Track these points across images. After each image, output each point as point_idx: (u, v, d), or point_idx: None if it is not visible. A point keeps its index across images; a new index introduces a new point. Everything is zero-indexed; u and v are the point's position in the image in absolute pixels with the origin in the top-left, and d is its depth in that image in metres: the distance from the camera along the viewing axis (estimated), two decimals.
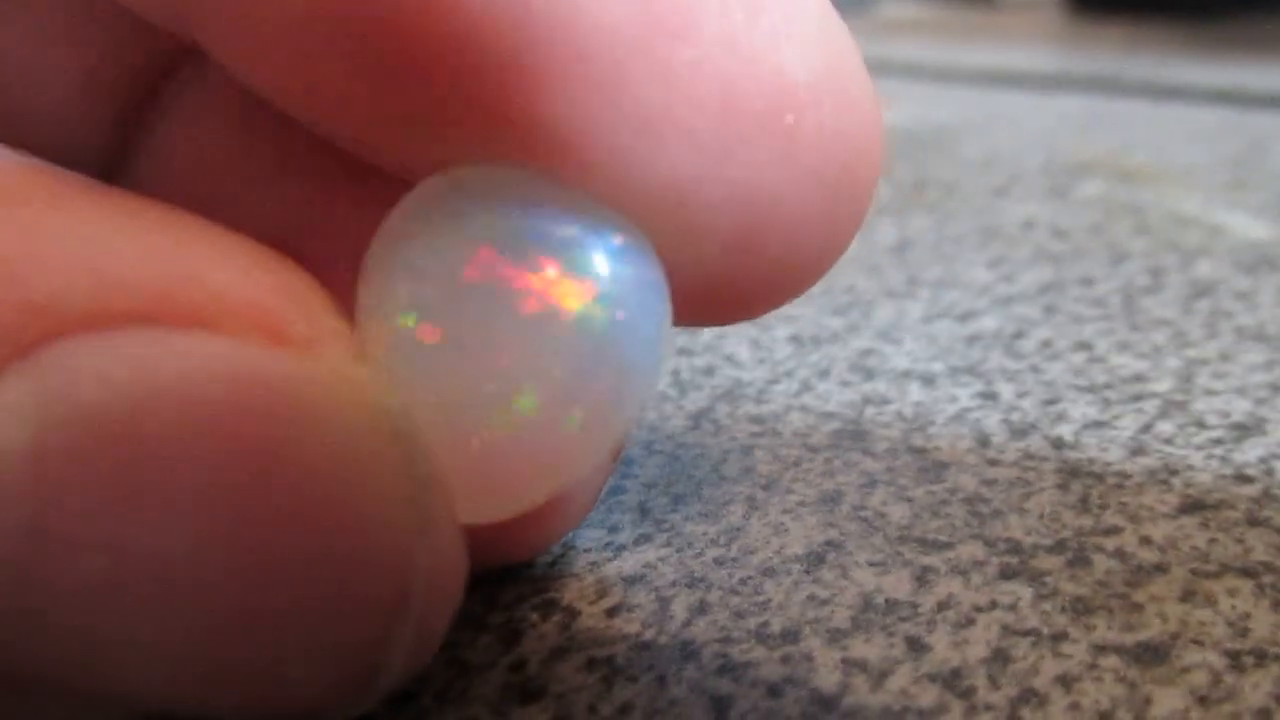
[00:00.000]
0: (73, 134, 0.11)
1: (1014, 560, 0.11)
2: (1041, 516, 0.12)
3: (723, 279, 0.09)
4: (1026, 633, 0.10)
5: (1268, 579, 0.10)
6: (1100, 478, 0.12)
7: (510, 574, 0.11)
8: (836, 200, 0.09)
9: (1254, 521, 0.11)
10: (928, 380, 0.15)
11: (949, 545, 0.11)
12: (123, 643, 0.07)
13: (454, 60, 0.08)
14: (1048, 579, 0.11)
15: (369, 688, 0.08)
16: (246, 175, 0.11)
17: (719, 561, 0.11)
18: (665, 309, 0.09)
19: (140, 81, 0.11)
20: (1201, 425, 0.14)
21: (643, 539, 0.11)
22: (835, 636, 0.10)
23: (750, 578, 0.11)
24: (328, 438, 0.07)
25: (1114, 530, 0.11)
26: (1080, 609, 0.10)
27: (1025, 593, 0.10)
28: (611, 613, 0.10)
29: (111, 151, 0.11)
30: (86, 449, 0.07)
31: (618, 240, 0.09)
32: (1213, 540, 0.11)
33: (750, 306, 0.10)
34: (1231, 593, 0.10)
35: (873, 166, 0.09)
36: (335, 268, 0.09)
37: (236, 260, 0.08)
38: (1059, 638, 0.10)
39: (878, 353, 0.16)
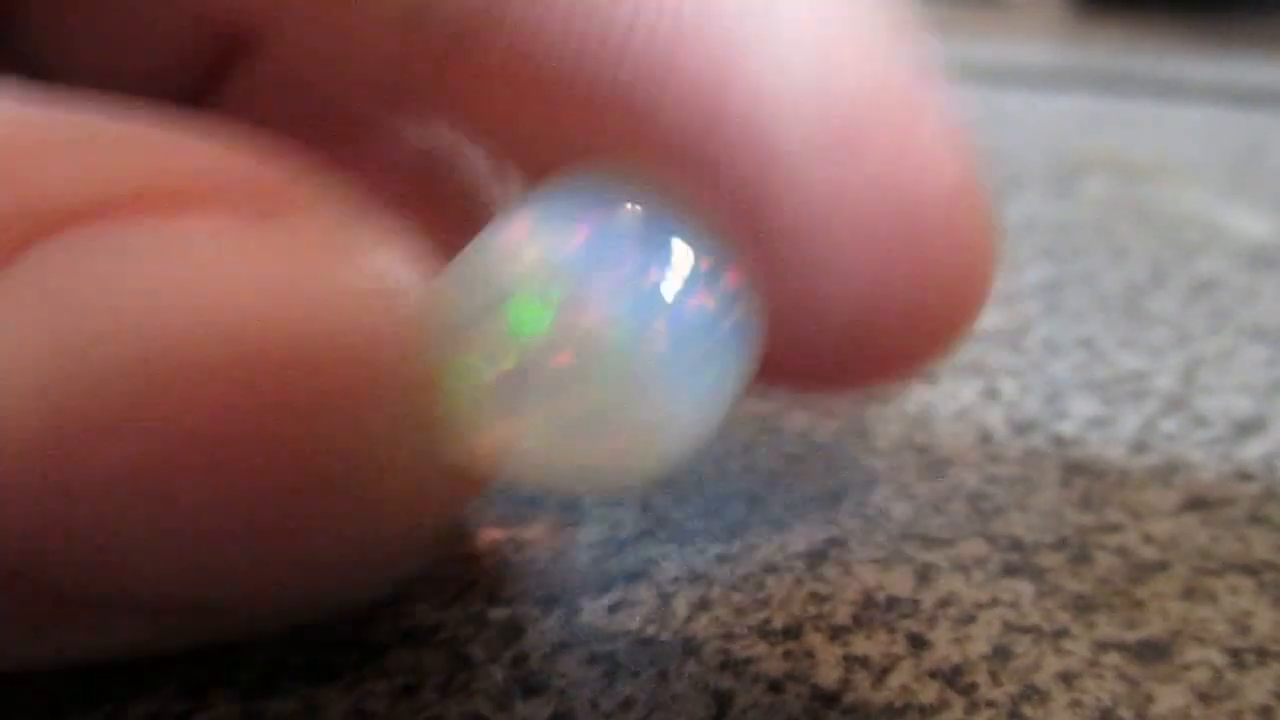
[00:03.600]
0: None
1: (1016, 557, 0.11)
2: (1043, 514, 0.12)
3: (863, 344, 0.10)
4: (1028, 630, 0.10)
5: (1269, 577, 0.10)
6: (1102, 475, 0.12)
7: (512, 569, 0.11)
8: (958, 287, 0.10)
9: (1255, 519, 0.11)
10: (929, 377, 0.15)
11: (951, 542, 0.11)
12: (151, 535, 0.07)
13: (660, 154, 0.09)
14: (1049, 576, 0.11)
15: (399, 564, 0.09)
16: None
17: (721, 558, 0.11)
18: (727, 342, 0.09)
19: (196, 78, 0.11)
20: (1203, 423, 0.14)
21: (644, 535, 0.11)
22: (837, 633, 0.10)
23: (752, 574, 0.11)
24: (336, 313, 0.08)
25: (1116, 527, 0.11)
26: (1082, 606, 0.10)
27: (1027, 590, 0.10)
28: (613, 608, 0.10)
29: None
30: (99, 346, 0.07)
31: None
32: (1214, 538, 0.11)
33: (882, 371, 0.11)
34: (1233, 590, 0.10)
35: (990, 248, 0.10)
36: None
37: (217, 142, 0.08)
38: (1060, 635, 0.10)
39: None
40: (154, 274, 0.07)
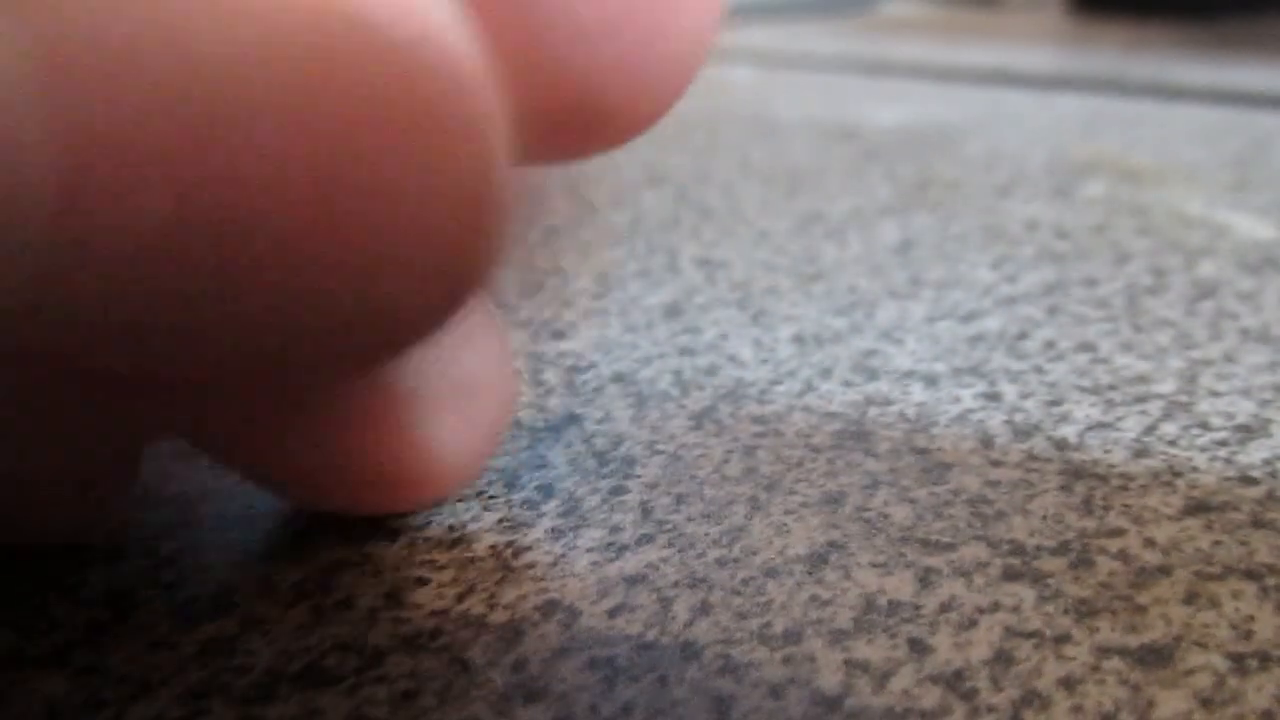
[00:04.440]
0: None
1: (1017, 562, 0.11)
2: (1045, 518, 0.12)
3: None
4: (1029, 634, 0.10)
5: (1272, 581, 0.10)
6: (1104, 479, 0.12)
7: (511, 574, 0.11)
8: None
9: (1258, 524, 0.11)
10: (931, 381, 0.15)
11: (952, 547, 0.11)
12: (186, 300, 0.06)
13: None
14: (1051, 581, 0.11)
15: (467, 286, 0.08)
16: None
17: (721, 562, 0.11)
18: None
19: None
20: (1205, 427, 0.14)
21: (644, 539, 0.11)
22: (837, 637, 0.10)
23: (752, 578, 0.11)
24: (379, 45, 0.06)
25: (1117, 532, 0.11)
26: (1083, 611, 0.10)
27: (1028, 594, 0.10)
28: (613, 613, 0.10)
29: None
30: (117, 88, 0.06)
31: None
32: (1217, 542, 0.11)
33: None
34: (1235, 595, 0.10)
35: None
36: None
37: None
38: (1062, 640, 0.10)
39: (880, 353, 0.16)
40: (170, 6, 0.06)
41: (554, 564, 0.11)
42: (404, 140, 0.07)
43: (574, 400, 0.15)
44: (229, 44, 0.06)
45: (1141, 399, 0.14)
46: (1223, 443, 0.13)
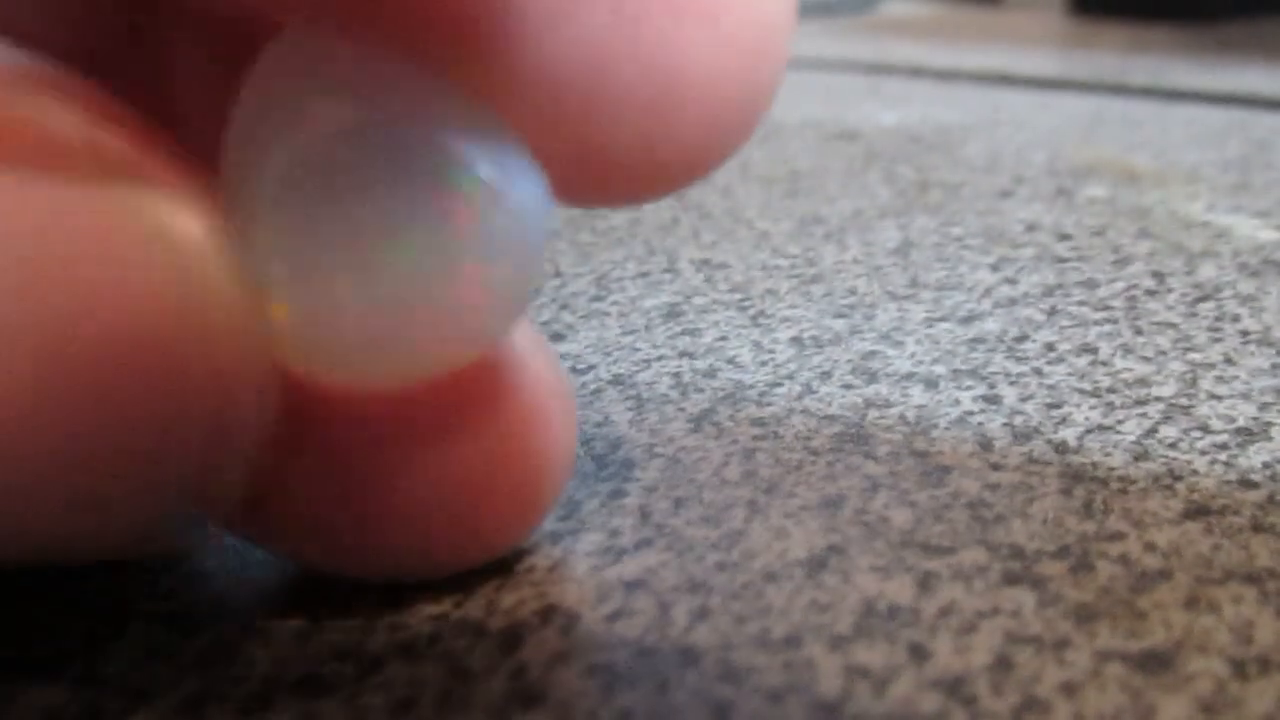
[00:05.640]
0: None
1: (1017, 566, 0.11)
2: (1045, 522, 0.12)
3: (639, 150, 0.09)
4: (1029, 639, 0.10)
5: (1272, 586, 0.10)
6: (1104, 483, 0.12)
7: (510, 579, 0.11)
8: (754, 66, 0.09)
9: (1258, 528, 0.11)
10: (930, 383, 0.15)
11: (951, 550, 0.11)
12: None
13: None
14: (1051, 585, 0.11)
15: (196, 520, 0.09)
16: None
17: (720, 566, 0.11)
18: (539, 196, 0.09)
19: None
20: (1206, 430, 0.14)
21: (643, 543, 0.11)
22: (837, 642, 0.10)
23: (752, 583, 0.11)
24: (141, 272, 0.07)
25: (1118, 536, 0.11)
26: (1083, 615, 0.10)
27: (1028, 599, 0.10)
28: (612, 618, 0.10)
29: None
30: None
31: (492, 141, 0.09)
32: (1217, 546, 0.11)
33: (670, 178, 0.10)
34: (1236, 600, 0.10)
35: (787, 33, 0.09)
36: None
37: (38, 88, 0.08)
38: (1062, 645, 0.10)
39: (880, 355, 0.16)
40: None
41: (552, 568, 0.11)
42: (156, 376, 0.08)
43: None
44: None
45: (1141, 402, 0.14)
46: (1223, 446, 0.13)
